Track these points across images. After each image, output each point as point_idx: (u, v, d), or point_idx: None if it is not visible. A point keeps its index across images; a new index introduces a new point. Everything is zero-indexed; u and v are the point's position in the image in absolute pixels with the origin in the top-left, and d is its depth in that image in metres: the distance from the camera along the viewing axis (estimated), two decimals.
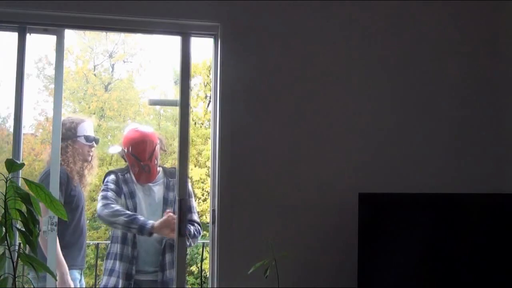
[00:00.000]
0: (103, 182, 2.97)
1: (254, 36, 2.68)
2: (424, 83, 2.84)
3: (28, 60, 2.60)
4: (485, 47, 2.92)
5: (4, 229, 1.89)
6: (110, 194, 2.89)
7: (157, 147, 2.96)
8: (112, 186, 2.91)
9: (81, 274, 3.02)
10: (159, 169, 2.98)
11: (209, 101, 10.73)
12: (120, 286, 2.78)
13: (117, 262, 2.81)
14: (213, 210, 2.63)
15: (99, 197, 2.92)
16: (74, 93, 11.16)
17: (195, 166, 10.53)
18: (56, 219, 2.59)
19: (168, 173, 2.98)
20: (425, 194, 2.59)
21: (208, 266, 2.97)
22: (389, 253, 2.47)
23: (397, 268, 2.47)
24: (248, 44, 2.67)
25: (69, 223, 2.69)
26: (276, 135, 2.67)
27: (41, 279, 2.44)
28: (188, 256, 3.08)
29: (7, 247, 1.89)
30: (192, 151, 11.11)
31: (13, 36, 2.56)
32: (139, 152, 2.88)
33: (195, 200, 3.10)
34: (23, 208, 1.94)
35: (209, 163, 4.80)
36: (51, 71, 10.94)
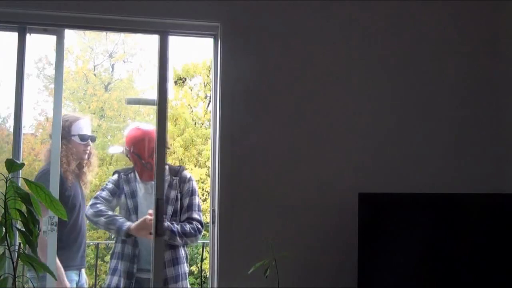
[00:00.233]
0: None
1: (254, 36, 2.68)
2: (424, 83, 2.84)
3: (28, 60, 2.60)
4: (485, 47, 2.92)
5: (4, 229, 1.89)
6: (103, 193, 2.90)
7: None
8: (109, 186, 2.93)
9: (79, 275, 3.01)
10: (164, 166, 2.95)
11: (209, 101, 10.73)
12: (121, 285, 2.78)
13: (119, 261, 2.83)
14: (213, 210, 2.63)
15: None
16: (74, 93, 11.16)
17: (195, 166, 10.53)
18: (56, 219, 2.59)
19: (172, 171, 2.95)
20: (425, 194, 2.59)
21: (208, 266, 2.97)
22: (389, 253, 2.47)
23: (397, 268, 2.47)
24: (248, 44, 2.67)
25: (65, 223, 2.67)
26: (276, 135, 2.67)
27: (40, 278, 2.43)
28: (188, 256, 3.04)
29: (7, 247, 1.89)
30: (192, 151, 11.11)
31: (13, 36, 2.56)
32: (140, 150, 2.88)
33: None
34: (23, 208, 1.94)
35: (209, 163, 4.79)
36: (51, 71, 10.94)
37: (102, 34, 11.24)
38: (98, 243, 6.42)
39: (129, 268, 2.79)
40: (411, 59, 2.84)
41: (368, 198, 2.45)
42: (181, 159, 10.37)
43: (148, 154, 2.88)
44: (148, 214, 2.77)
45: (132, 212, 2.86)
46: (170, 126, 11.16)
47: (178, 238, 2.77)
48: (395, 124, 2.79)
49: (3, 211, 1.90)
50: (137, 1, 2.58)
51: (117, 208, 3.06)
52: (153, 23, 2.63)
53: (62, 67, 2.67)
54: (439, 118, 2.84)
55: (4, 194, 1.90)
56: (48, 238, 2.60)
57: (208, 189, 2.91)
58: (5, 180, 1.90)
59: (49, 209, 1.99)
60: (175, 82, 12.49)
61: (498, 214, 2.55)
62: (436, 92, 2.85)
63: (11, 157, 2.29)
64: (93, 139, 3.11)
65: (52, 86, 3.66)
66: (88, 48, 11.76)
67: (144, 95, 12.33)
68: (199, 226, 2.86)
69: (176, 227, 2.78)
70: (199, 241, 7.47)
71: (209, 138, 4.87)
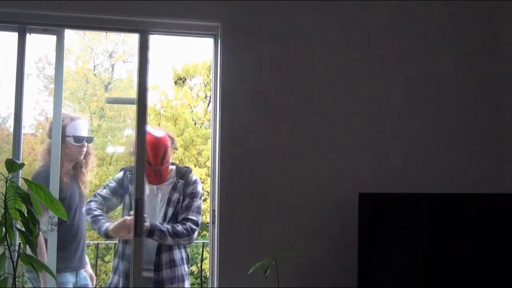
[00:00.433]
0: None
1: (254, 36, 2.68)
2: (424, 83, 2.84)
3: (28, 60, 2.59)
4: (485, 47, 2.92)
5: (4, 229, 1.89)
6: (103, 191, 2.88)
7: (169, 149, 2.91)
8: (112, 184, 2.90)
9: (77, 276, 3.00)
10: (172, 167, 2.93)
11: (209, 101, 10.73)
12: (120, 284, 2.78)
13: (120, 261, 2.82)
14: (213, 210, 2.63)
15: None
16: (74, 93, 11.16)
17: (195, 166, 10.52)
18: (56, 219, 2.59)
19: (179, 172, 2.92)
20: (425, 194, 2.59)
21: (208, 266, 2.97)
22: (389, 253, 2.47)
23: (397, 268, 2.47)
24: (248, 44, 2.67)
25: (60, 224, 2.65)
26: (276, 135, 2.66)
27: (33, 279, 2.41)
28: (189, 257, 3.00)
29: (7, 247, 1.89)
30: (192, 151, 11.11)
31: (13, 36, 2.56)
32: (151, 157, 2.82)
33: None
34: (23, 208, 1.94)
35: (209, 163, 4.79)
36: (51, 71, 10.94)
37: (102, 34, 11.25)
38: (98, 243, 6.41)
39: (128, 269, 2.78)
40: (411, 59, 2.84)
41: (368, 198, 2.45)
42: (181, 159, 10.37)
43: (158, 160, 2.84)
44: (128, 215, 2.73)
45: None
46: (170, 126, 11.16)
47: (169, 238, 2.72)
48: (395, 124, 2.79)
49: (3, 211, 1.90)
50: (137, 1, 2.57)
51: (119, 208, 3.04)
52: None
53: (62, 67, 2.67)
54: (439, 118, 2.84)
55: (4, 194, 1.90)
56: (48, 238, 2.60)
57: (208, 189, 2.89)
58: (5, 180, 1.90)
59: (49, 209, 1.99)
60: (175, 82, 12.49)
61: (498, 214, 2.55)
62: (436, 92, 2.85)
63: (11, 157, 2.29)
64: (89, 140, 3.07)
65: (52, 86, 3.65)
66: (88, 48, 11.76)
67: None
68: (193, 227, 2.78)
69: (167, 227, 2.73)
70: (199, 241, 7.48)
71: (209, 138, 4.87)
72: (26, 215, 1.91)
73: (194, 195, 2.85)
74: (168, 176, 2.89)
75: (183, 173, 2.91)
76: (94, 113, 10.80)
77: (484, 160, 2.85)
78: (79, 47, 11.54)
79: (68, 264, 2.90)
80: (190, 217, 2.79)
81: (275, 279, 2.31)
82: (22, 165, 2.04)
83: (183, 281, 2.85)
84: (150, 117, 11.82)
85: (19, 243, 1.93)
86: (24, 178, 2.02)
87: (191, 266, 8.22)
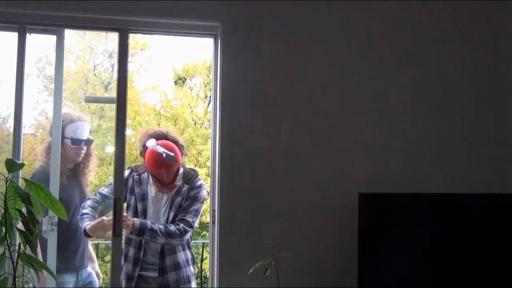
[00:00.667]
0: None
1: (254, 36, 2.68)
2: (424, 83, 2.84)
3: (28, 60, 2.59)
4: (485, 47, 2.92)
5: (4, 229, 1.89)
6: (104, 190, 2.84)
7: (180, 167, 2.88)
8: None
9: (77, 276, 2.99)
10: (180, 171, 2.91)
11: (209, 101, 10.74)
12: (123, 285, 2.76)
13: (124, 262, 2.81)
14: (213, 210, 2.63)
15: None
16: (74, 93, 11.17)
17: (195, 166, 10.52)
18: (56, 219, 2.59)
19: (185, 177, 2.87)
20: (425, 194, 2.59)
21: (208, 266, 2.96)
22: (389, 253, 2.47)
23: (397, 268, 2.47)
24: (248, 44, 2.67)
25: (59, 224, 2.64)
26: (276, 135, 2.66)
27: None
28: (194, 258, 2.95)
29: (7, 247, 1.89)
30: (192, 151, 11.10)
31: (13, 36, 2.56)
32: (162, 177, 2.80)
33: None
34: (23, 208, 1.94)
35: (209, 163, 4.79)
36: (51, 71, 10.95)
37: (102, 34, 11.24)
38: (98, 243, 6.40)
39: (130, 271, 2.76)
40: (411, 59, 2.84)
41: (368, 198, 2.45)
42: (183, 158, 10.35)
43: (170, 180, 2.81)
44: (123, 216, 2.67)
45: (140, 215, 2.80)
46: (170, 126, 11.16)
47: (161, 237, 2.68)
48: (395, 124, 2.79)
49: (3, 211, 1.90)
50: (137, 1, 2.57)
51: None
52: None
53: (62, 67, 2.67)
54: (439, 119, 2.84)
55: (4, 194, 1.90)
56: (48, 238, 2.60)
57: (208, 189, 2.88)
58: (5, 180, 1.90)
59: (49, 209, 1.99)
60: (175, 82, 12.49)
61: (498, 214, 2.55)
62: (436, 93, 2.85)
63: (11, 157, 2.29)
64: (88, 143, 3.01)
65: (52, 86, 3.65)
66: (88, 48, 11.77)
67: (145, 95, 12.33)
68: (186, 228, 2.73)
69: (159, 226, 2.70)
70: (199, 241, 7.47)
71: (209, 138, 4.87)
72: (26, 215, 1.91)
73: (195, 198, 2.82)
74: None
75: (189, 178, 2.87)
76: (94, 113, 10.81)
77: (484, 160, 2.85)
78: (79, 47, 11.54)
79: (67, 265, 2.89)
80: (185, 218, 2.75)
81: (275, 279, 2.31)
82: (22, 165, 2.04)
83: (189, 282, 2.83)
84: (150, 117, 11.82)
85: (19, 243, 1.93)
86: (24, 178, 2.02)
87: None
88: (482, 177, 2.82)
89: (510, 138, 2.83)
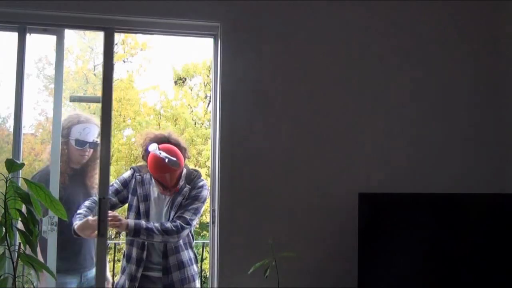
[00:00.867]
0: None
1: (254, 36, 2.68)
2: (424, 83, 2.84)
3: (28, 60, 2.59)
4: (485, 47, 2.92)
5: (4, 229, 1.89)
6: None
7: (183, 170, 2.88)
8: (116, 185, 2.84)
9: (81, 277, 2.98)
10: (183, 172, 2.89)
11: (209, 101, 10.74)
12: (126, 286, 2.75)
13: (126, 263, 2.80)
14: (213, 210, 2.63)
15: None
16: (74, 93, 11.17)
17: (195, 166, 10.52)
18: (56, 219, 2.59)
19: (188, 178, 2.85)
20: (425, 194, 2.59)
21: (208, 266, 2.96)
22: (389, 253, 2.47)
23: (397, 268, 2.47)
24: (248, 44, 2.67)
25: (60, 225, 2.64)
26: (276, 135, 2.66)
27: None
28: (197, 257, 2.92)
29: (7, 247, 1.89)
30: (192, 151, 11.10)
31: (13, 36, 2.56)
32: (166, 181, 2.79)
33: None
34: (23, 208, 1.95)
35: (209, 163, 4.79)
36: (51, 71, 10.96)
37: (102, 34, 11.24)
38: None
39: (133, 271, 2.76)
40: (411, 59, 2.84)
41: (368, 198, 2.45)
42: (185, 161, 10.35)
43: (173, 184, 2.79)
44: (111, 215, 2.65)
45: (142, 216, 2.79)
46: (170, 126, 11.17)
47: (157, 235, 2.65)
48: (395, 124, 2.79)
49: (3, 211, 1.90)
50: (137, 1, 2.57)
51: (123, 208, 3.00)
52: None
53: (62, 67, 2.67)
54: (439, 119, 2.84)
55: (4, 194, 1.91)
56: (48, 238, 2.60)
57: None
58: (5, 180, 1.90)
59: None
60: (175, 82, 12.50)
61: (498, 214, 2.55)
62: (436, 93, 2.85)
63: (11, 157, 2.29)
64: (93, 145, 2.98)
65: (52, 86, 3.65)
66: (88, 48, 11.77)
67: (145, 95, 12.33)
68: (184, 225, 2.70)
69: (155, 224, 2.67)
70: (199, 241, 7.47)
71: (209, 138, 4.86)
72: (26, 215, 1.92)
73: (196, 198, 2.80)
74: None
75: (191, 178, 2.86)
76: (94, 113, 10.79)
77: (484, 160, 2.85)
78: (79, 47, 11.55)
79: (70, 266, 2.87)
80: (183, 215, 2.73)
81: (275, 279, 2.31)
82: (22, 165, 2.04)
83: (194, 281, 2.83)
84: (150, 117, 11.83)
85: (19, 243, 1.93)
86: (24, 178, 2.02)
87: None
88: (482, 177, 2.82)
89: (510, 138, 2.83)
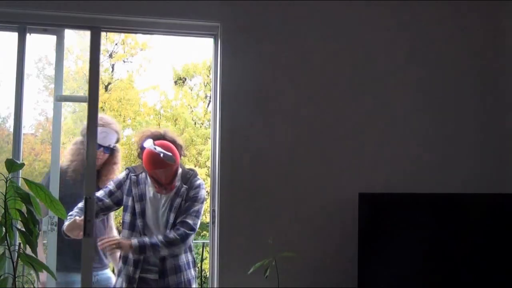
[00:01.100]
0: None
1: (254, 36, 2.68)
2: (424, 83, 2.84)
3: (28, 60, 2.59)
4: (485, 47, 2.92)
5: (4, 229, 1.89)
6: (99, 193, 2.77)
7: (179, 167, 2.85)
8: (110, 186, 2.80)
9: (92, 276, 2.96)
10: (179, 171, 2.87)
11: (209, 101, 10.75)
12: (124, 287, 2.73)
13: (123, 265, 2.77)
14: (213, 210, 2.63)
15: None
16: (74, 93, 11.18)
17: (195, 166, 10.52)
18: (56, 219, 2.59)
19: (184, 177, 2.82)
20: (425, 194, 2.59)
21: (208, 266, 2.96)
22: (389, 253, 2.47)
23: (397, 268, 2.47)
24: (248, 44, 2.67)
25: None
26: (276, 135, 2.66)
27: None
28: (196, 261, 2.89)
29: (7, 247, 1.89)
30: (192, 151, 11.11)
31: (13, 36, 2.56)
32: (160, 177, 2.77)
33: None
34: (23, 208, 1.95)
35: (209, 163, 4.79)
36: (51, 71, 10.96)
37: (102, 34, 11.23)
38: None
39: (130, 273, 2.73)
40: (410, 59, 2.84)
41: (368, 198, 2.45)
42: (181, 159, 10.35)
43: (169, 181, 2.75)
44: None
45: (138, 216, 2.76)
46: (170, 126, 11.17)
47: (163, 249, 2.62)
48: (395, 125, 2.79)
49: (3, 211, 1.90)
50: (137, 1, 2.57)
51: (118, 211, 2.98)
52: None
53: (62, 67, 2.67)
54: (439, 118, 2.84)
55: (4, 194, 1.91)
56: (48, 238, 2.60)
57: (208, 189, 2.88)
58: (5, 180, 1.90)
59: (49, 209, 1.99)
60: (175, 82, 12.51)
61: (498, 214, 2.55)
62: (436, 93, 2.85)
63: (11, 157, 2.29)
64: (108, 150, 2.97)
65: (52, 86, 3.65)
66: (88, 48, 11.77)
67: (145, 95, 12.34)
68: (188, 232, 2.67)
69: (159, 238, 2.63)
70: (199, 241, 7.47)
71: (209, 138, 4.86)
72: (26, 215, 1.92)
73: (195, 199, 2.78)
74: None
75: (187, 178, 2.83)
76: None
77: (484, 160, 2.85)
78: (79, 47, 11.55)
79: (76, 264, 2.86)
80: (186, 220, 2.69)
81: (275, 279, 2.31)
82: (22, 165, 2.04)
83: (190, 285, 2.80)
84: (150, 117, 11.83)
85: (19, 243, 1.93)
86: (24, 178, 2.02)
87: None
88: (482, 177, 2.81)
89: (510, 138, 2.82)
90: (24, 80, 2.56)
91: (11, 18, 2.52)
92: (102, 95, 11.25)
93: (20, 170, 2.32)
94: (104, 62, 12.08)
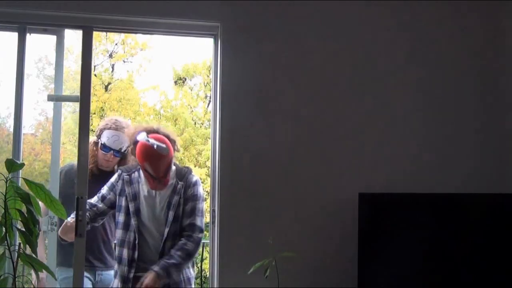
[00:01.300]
0: None
1: (254, 36, 2.68)
2: (424, 83, 2.84)
3: (28, 60, 2.59)
4: (485, 47, 2.92)
5: (4, 229, 1.89)
6: (93, 199, 2.74)
7: (173, 159, 2.83)
8: (103, 190, 2.77)
9: (95, 276, 2.96)
10: (172, 168, 2.85)
11: (209, 101, 10.75)
12: (119, 287, 2.72)
13: (118, 264, 2.77)
14: (213, 210, 2.63)
15: None
16: (74, 93, 11.15)
17: (195, 166, 10.52)
18: (56, 219, 2.59)
19: (179, 174, 2.78)
20: (425, 194, 2.59)
21: (208, 266, 2.95)
22: (389, 253, 2.47)
23: (397, 268, 2.47)
24: (248, 44, 2.67)
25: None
26: (276, 135, 2.67)
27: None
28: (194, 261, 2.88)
29: (7, 247, 1.89)
30: (192, 151, 11.11)
31: (13, 36, 2.57)
32: (154, 170, 2.74)
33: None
34: (23, 208, 1.94)
35: (209, 163, 4.79)
36: (51, 71, 10.95)
37: (102, 34, 11.24)
38: None
39: (125, 272, 2.72)
40: (410, 59, 2.84)
41: (368, 198, 2.45)
42: (181, 159, 10.37)
43: (162, 173, 2.69)
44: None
45: (133, 215, 2.74)
46: (170, 126, 11.17)
47: (185, 262, 2.60)
48: (395, 125, 2.79)
49: (3, 211, 1.90)
50: (137, 1, 2.57)
51: (116, 212, 2.96)
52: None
53: (62, 67, 2.67)
54: (439, 118, 2.84)
55: (4, 194, 1.91)
56: (48, 238, 2.60)
57: (208, 189, 2.87)
58: (5, 180, 1.90)
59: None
60: (175, 82, 12.50)
61: (498, 214, 2.55)
62: (436, 93, 2.85)
63: (11, 157, 2.29)
64: (118, 154, 2.97)
65: (52, 86, 3.65)
66: None
67: (145, 95, 12.33)
68: (199, 235, 2.66)
69: (177, 253, 2.59)
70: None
71: (209, 138, 4.86)
72: (26, 215, 1.92)
73: (195, 197, 2.75)
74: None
75: (183, 174, 2.81)
76: (94, 113, 10.80)
77: (484, 160, 2.85)
78: (79, 47, 11.53)
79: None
80: (195, 223, 2.67)
81: (275, 279, 2.31)
82: (22, 165, 2.04)
83: (190, 284, 2.80)
84: (150, 117, 11.83)
85: (19, 243, 1.93)
86: (24, 178, 2.02)
87: None
88: (482, 177, 2.81)
89: (510, 138, 2.82)
90: (24, 80, 2.56)
91: (11, 18, 2.52)
92: (102, 95, 11.24)
93: (20, 170, 2.32)
94: (104, 62, 12.07)
